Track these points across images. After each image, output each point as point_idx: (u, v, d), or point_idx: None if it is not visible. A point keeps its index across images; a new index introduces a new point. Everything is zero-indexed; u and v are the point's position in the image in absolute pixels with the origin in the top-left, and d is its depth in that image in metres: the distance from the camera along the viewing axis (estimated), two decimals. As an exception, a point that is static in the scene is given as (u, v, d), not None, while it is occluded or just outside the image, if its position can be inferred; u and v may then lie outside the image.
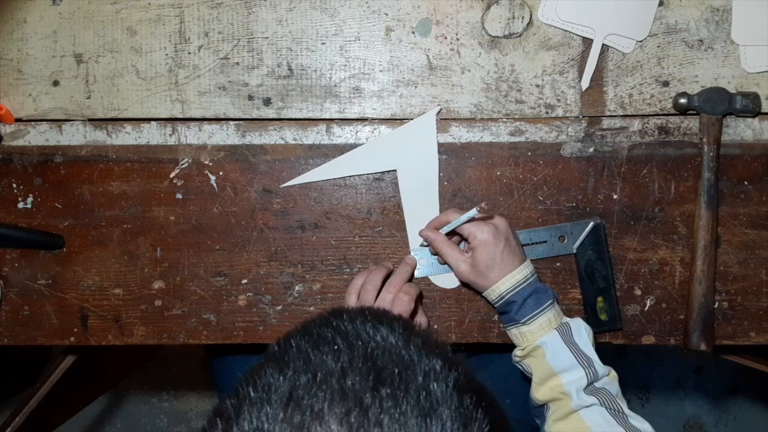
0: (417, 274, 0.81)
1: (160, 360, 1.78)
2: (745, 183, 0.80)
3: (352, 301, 0.76)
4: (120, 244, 0.82)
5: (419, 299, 0.78)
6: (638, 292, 0.81)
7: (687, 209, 0.80)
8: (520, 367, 0.76)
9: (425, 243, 0.80)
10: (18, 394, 1.64)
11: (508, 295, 0.73)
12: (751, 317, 0.80)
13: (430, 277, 0.81)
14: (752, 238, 0.80)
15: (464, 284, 0.79)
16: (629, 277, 0.81)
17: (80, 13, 0.81)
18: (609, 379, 0.71)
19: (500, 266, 0.72)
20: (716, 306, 0.80)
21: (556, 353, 0.71)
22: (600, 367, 0.70)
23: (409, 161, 0.80)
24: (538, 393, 0.71)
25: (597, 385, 0.70)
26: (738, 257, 0.80)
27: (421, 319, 0.78)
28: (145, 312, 0.82)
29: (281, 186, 0.81)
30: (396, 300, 0.73)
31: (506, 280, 0.73)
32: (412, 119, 0.81)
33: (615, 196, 0.80)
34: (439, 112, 0.80)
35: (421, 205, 0.80)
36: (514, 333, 0.74)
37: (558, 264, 0.81)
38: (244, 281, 0.82)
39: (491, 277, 0.73)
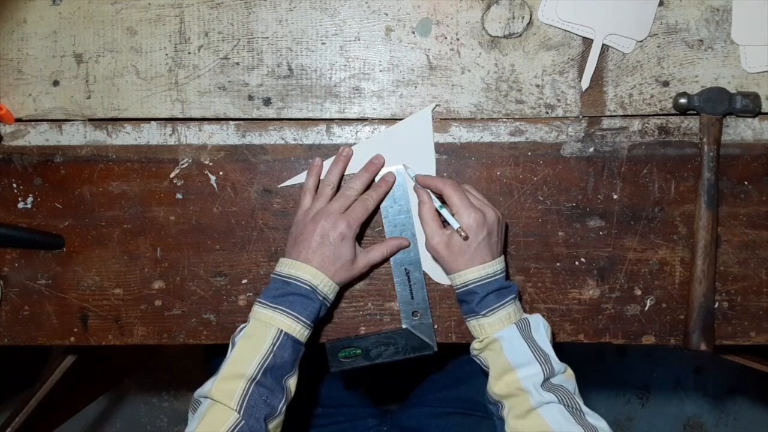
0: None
1: (160, 360, 1.78)
2: (745, 183, 0.80)
3: (306, 202, 0.77)
4: (120, 244, 0.82)
5: (375, 212, 0.79)
6: (638, 292, 0.81)
7: (687, 209, 0.80)
8: (477, 361, 0.76)
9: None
10: (18, 394, 1.64)
11: (473, 285, 0.72)
12: (751, 317, 0.80)
13: (428, 273, 0.81)
14: (752, 238, 0.80)
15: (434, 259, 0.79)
16: (629, 277, 0.81)
17: (80, 13, 0.81)
18: (565, 376, 0.71)
19: (472, 255, 0.72)
20: (716, 306, 0.80)
21: (513, 348, 0.71)
22: (557, 363, 0.70)
23: (406, 160, 0.80)
24: (495, 387, 0.71)
25: (554, 381, 0.69)
26: (738, 257, 0.80)
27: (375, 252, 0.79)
28: (145, 312, 0.82)
29: (279, 186, 0.81)
30: (359, 201, 0.76)
31: (475, 270, 0.72)
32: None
33: (615, 196, 0.80)
34: (435, 108, 0.80)
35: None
36: (473, 324, 0.74)
37: (558, 264, 0.81)
38: (244, 281, 0.82)
39: (460, 262, 0.73)
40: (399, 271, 0.80)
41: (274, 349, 0.69)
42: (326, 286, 0.73)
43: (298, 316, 0.70)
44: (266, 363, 0.68)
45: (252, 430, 0.65)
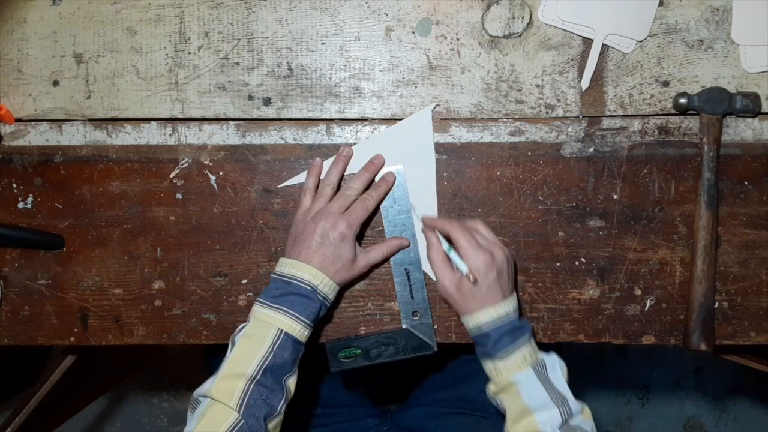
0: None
1: (160, 360, 1.78)
2: (745, 183, 0.80)
3: (306, 202, 0.77)
4: (120, 244, 0.82)
5: (375, 212, 0.79)
6: (638, 292, 0.81)
7: (687, 209, 0.80)
8: (494, 402, 0.75)
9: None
10: (18, 394, 1.64)
11: (485, 328, 0.71)
12: (751, 317, 0.80)
13: (428, 274, 0.81)
14: (752, 238, 0.80)
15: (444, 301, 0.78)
16: (629, 277, 0.81)
17: (80, 13, 0.81)
18: (583, 417, 0.70)
19: (483, 296, 0.71)
20: (716, 306, 0.80)
21: (530, 391, 0.69)
22: (574, 404, 0.69)
23: (406, 160, 0.80)
24: (513, 430, 0.70)
25: (571, 423, 0.68)
26: (738, 257, 0.80)
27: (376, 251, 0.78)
28: (145, 312, 0.82)
29: (279, 186, 0.81)
30: (359, 200, 0.76)
31: (486, 312, 0.71)
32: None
33: (615, 196, 0.80)
34: (435, 108, 0.80)
35: (419, 203, 0.80)
36: (489, 367, 0.73)
37: (558, 264, 0.81)
38: (244, 281, 0.82)
39: (471, 305, 0.72)
40: (399, 271, 0.80)
41: (274, 348, 0.69)
42: (326, 286, 0.73)
43: (298, 315, 0.70)
44: (266, 362, 0.68)
45: (251, 430, 0.65)
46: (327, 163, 0.80)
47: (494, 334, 0.71)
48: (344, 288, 0.80)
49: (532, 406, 0.69)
